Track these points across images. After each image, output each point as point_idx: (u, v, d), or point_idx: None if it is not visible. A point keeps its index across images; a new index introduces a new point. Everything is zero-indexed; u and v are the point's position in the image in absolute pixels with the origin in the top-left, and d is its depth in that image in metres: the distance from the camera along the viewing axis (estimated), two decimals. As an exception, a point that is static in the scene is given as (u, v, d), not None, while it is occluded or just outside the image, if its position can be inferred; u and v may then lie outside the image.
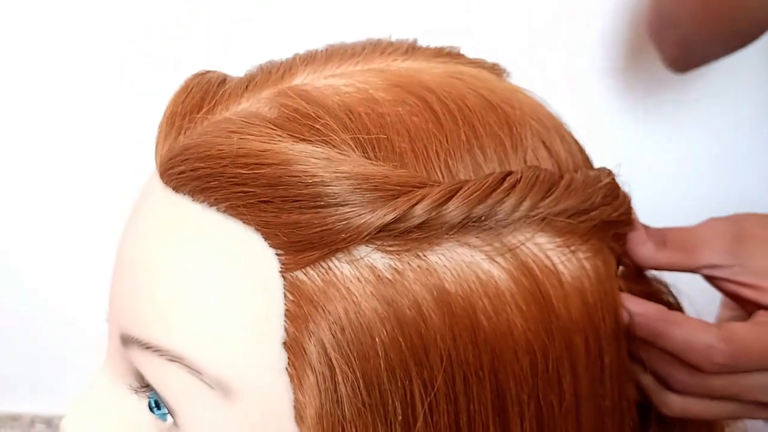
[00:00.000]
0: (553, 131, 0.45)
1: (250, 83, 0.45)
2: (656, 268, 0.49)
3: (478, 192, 0.40)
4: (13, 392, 1.02)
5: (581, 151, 0.47)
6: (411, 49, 0.47)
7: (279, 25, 0.87)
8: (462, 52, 0.49)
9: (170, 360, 0.41)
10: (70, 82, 0.97)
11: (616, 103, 0.98)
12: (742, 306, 0.51)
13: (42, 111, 0.98)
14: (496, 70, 0.49)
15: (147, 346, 0.42)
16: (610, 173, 0.45)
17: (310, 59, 0.46)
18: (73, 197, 0.98)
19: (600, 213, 0.44)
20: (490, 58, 0.49)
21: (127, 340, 0.43)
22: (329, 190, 0.39)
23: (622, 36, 0.95)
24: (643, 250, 0.48)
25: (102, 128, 0.96)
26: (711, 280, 0.51)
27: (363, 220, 0.39)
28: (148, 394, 0.44)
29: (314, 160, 0.39)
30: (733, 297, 0.51)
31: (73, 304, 0.96)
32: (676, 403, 0.48)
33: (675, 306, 0.50)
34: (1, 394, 1.02)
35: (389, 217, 0.39)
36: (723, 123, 1.00)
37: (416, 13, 0.91)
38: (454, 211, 0.39)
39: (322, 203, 0.39)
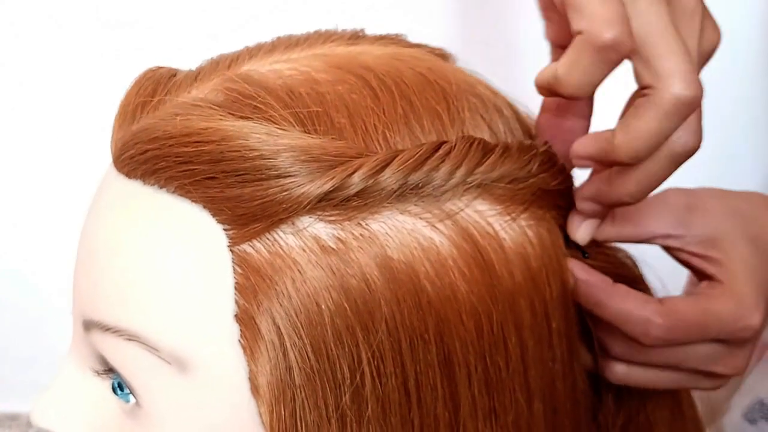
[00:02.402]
0: (491, 106, 0.47)
1: (199, 74, 0.47)
2: (605, 242, 0.51)
3: (413, 159, 0.41)
4: (11, 392, 1.02)
5: (522, 124, 0.48)
6: (354, 36, 0.49)
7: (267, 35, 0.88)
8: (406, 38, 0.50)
9: (128, 339, 0.43)
10: (68, 87, 0.97)
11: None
12: (695, 276, 0.52)
13: (48, 112, 0.99)
14: (439, 53, 0.51)
15: (107, 328, 0.43)
16: (546, 143, 0.46)
17: (256, 49, 0.48)
18: (71, 199, 0.98)
19: (538, 181, 0.45)
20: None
21: (88, 325, 0.45)
22: (269, 163, 0.40)
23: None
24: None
25: (105, 128, 0.97)
26: (667, 250, 0.52)
27: (303, 190, 0.40)
28: (111, 377, 0.46)
29: (255, 135, 0.41)
30: (686, 266, 0.52)
31: (72, 303, 0.97)
32: (619, 370, 0.49)
33: (636, 278, 0.51)
34: (-2, 394, 1.03)
35: (327, 186, 0.40)
36: (718, 122, 0.99)
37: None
38: (390, 178, 0.41)
39: (263, 176, 0.40)
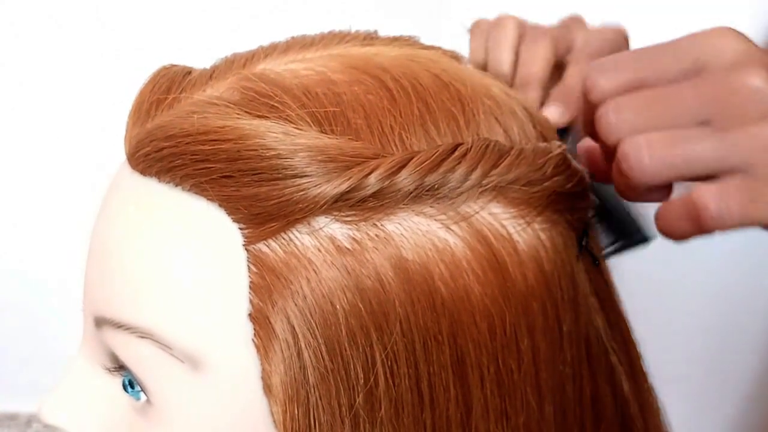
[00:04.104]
0: (505, 108, 0.47)
1: (214, 72, 0.47)
2: None
3: (429, 161, 0.41)
4: (10, 391, 1.02)
5: (536, 126, 0.48)
6: (369, 38, 0.49)
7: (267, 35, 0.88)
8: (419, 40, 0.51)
9: (141, 337, 0.43)
10: (68, 87, 0.98)
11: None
12: None
13: (48, 112, 0.99)
14: (453, 55, 0.51)
15: (119, 325, 0.43)
16: (561, 145, 0.46)
17: (271, 49, 0.48)
18: (71, 199, 0.99)
19: (553, 183, 0.45)
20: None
21: (100, 322, 0.44)
22: (286, 163, 0.40)
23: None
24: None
25: (105, 128, 0.97)
26: None
27: (319, 191, 0.40)
28: (122, 374, 0.45)
29: (271, 134, 0.41)
30: None
31: (72, 303, 0.97)
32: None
33: None
34: (-2, 393, 1.03)
35: (344, 187, 0.40)
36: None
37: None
38: (406, 179, 0.41)
39: (280, 175, 0.40)
